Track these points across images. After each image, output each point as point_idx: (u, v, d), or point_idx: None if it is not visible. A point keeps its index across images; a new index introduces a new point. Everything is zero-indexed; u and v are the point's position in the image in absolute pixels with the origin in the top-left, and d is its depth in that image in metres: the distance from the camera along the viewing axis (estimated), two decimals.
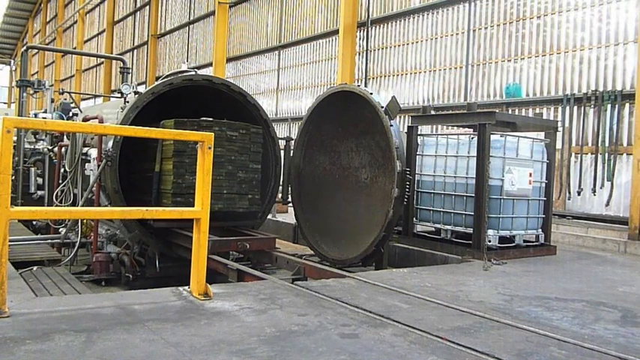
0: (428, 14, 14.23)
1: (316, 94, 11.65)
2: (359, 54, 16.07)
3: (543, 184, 8.05)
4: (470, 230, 7.38)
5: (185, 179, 6.80)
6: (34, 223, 10.00)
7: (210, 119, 6.94)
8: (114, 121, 7.31)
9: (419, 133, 8.29)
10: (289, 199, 8.51)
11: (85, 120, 8.40)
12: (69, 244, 7.99)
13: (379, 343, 3.53)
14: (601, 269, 7.06)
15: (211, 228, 6.80)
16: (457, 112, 10.13)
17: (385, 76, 15.46)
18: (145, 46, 28.90)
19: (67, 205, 8.01)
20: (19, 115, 11.12)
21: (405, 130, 8.44)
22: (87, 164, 7.77)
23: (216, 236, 6.82)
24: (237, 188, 7.20)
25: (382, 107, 6.82)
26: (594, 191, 10.35)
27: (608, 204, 10.14)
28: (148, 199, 7.32)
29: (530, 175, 7.72)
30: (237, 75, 21.83)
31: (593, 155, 10.42)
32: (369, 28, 15.72)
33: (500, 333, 3.90)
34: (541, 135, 8.42)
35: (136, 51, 30.60)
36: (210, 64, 22.11)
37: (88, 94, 29.17)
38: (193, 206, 5.78)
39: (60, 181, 8.61)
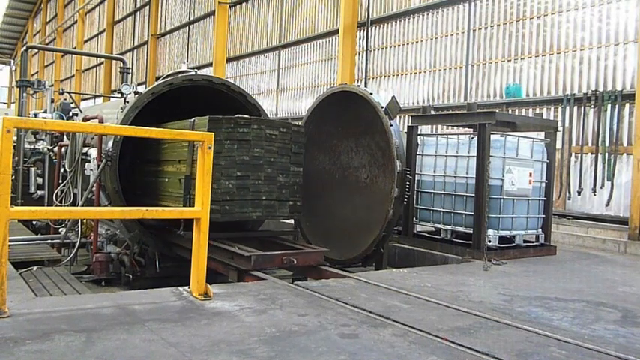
0: (428, 14, 14.22)
1: (316, 94, 11.65)
2: (359, 54, 16.07)
3: (543, 184, 8.05)
4: (470, 230, 7.38)
5: (221, 184, 5.95)
6: (34, 223, 9.99)
7: (248, 117, 6.31)
8: (114, 121, 7.31)
9: (419, 133, 8.29)
10: None
11: (85, 120, 8.40)
12: (69, 244, 7.98)
13: (379, 343, 3.53)
14: (601, 269, 7.06)
15: (246, 239, 6.49)
16: (457, 112, 10.13)
17: (385, 76, 15.45)
18: (145, 46, 28.89)
19: (67, 205, 8.00)
20: (19, 115, 11.12)
21: (405, 130, 8.44)
22: (87, 164, 7.76)
23: (255, 248, 6.10)
24: (277, 194, 6.40)
25: (382, 107, 6.82)
26: (594, 191, 10.35)
27: (608, 204, 10.14)
28: (150, 202, 7.20)
29: (530, 175, 7.73)
30: (237, 75, 21.82)
31: (593, 155, 10.42)
32: (369, 28, 15.72)
33: (500, 333, 3.90)
34: (541, 135, 8.43)
35: (136, 51, 30.59)
36: (210, 64, 22.10)
37: (88, 94, 29.16)
38: (233, 216, 5.57)
39: (60, 181, 8.60)
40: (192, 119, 6.38)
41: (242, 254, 5.68)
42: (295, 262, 5.77)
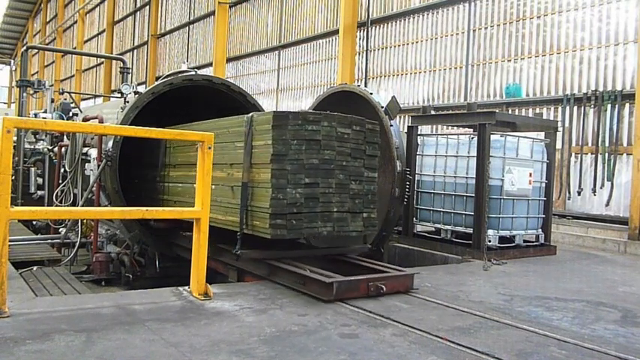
0: (428, 14, 14.23)
1: (316, 94, 11.64)
2: (359, 54, 16.07)
3: (543, 184, 8.05)
4: (470, 230, 7.38)
5: (287, 194, 4.91)
6: (34, 223, 9.99)
7: (319, 112, 5.33)
8: (114, 121, 7.31)
9: (419, 133, 8.29)
10: None
11: (85, 120, 8.40)
12: (69, 244, 7.98)
13: (379, 343, 3.53)
14: (601, 269, 7.06)
15: (314, 258, 5.47)
16: (457, 112, 10.13)
17: (385, 76, 15.46)
18: (145, 46, 28.90)
19: (67, 205, 8.00)
20: (19, 115, 11.12)
21: (405, 130, 8.44)
22: (87, 164, 7.76)
23: (320, 268, 5.11)
24: (349, 205, 5.32)
25: (382, 107, 6.82)
26: (594, 191, 10.35)
27: (608, 204, 10.14)
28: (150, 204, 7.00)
29: (530, 175, 7.73)
30: (237, 75, 21.83)
31: (593, 155, 10.42)
32: (369, 28, 15.72)
33: (500, 333, 3.90)
34: (541, 135, 8.43)
35: (136, 51, 30.59)
36: (210, 64, 22.10)
37: (88, 94, 29.16)
38: (300, 232, 4.89)
39: (60, 181, 8.60)
40: (250, 114, 5.38)
41: (319, 280, 4.65)
42: (384, 289, 4.78)
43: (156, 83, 7.46)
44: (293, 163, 4.96)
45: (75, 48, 36.79)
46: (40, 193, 10.72)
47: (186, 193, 6.42)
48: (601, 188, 10.27)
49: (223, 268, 6.07)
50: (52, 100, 11.15)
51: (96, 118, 7.98)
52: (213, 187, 5.63)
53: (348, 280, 4.73)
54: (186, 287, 4.62)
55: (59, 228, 8.40)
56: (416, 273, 5.28)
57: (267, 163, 4.94)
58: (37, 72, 45.07)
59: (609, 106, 10.21)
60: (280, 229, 4.86)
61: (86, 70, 37.07)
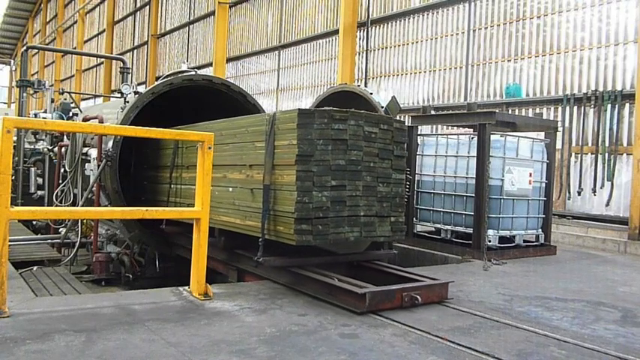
0: (428, 14, 14.23)
1: (316, 94, 11.64)
2: (359, 54, 16.07)
3: (543, 184, 8.05)
4: (470, 230, 7.38)
5: (313, 197, 4.61)
6: (34, 223, 9.99)
7: (345, 110, 4.98)
8: (114, 121, 7.31)
9: (419, 133, 8.29)
10: None
11: (85, 120, 8.39)
12: (69, 244, 7.98)
13: (379, 343, 3.53)
14: (601, 269, 7.06)
15: (336, 265, 5.19)
16: (457, 112, 10.12)
17: (385, 76, 15.46)
18: (145, 46, 28.90)
19: (67, 205, 8.00)
20: (19, 115, 11.12)
21: None
22: (87, 164, 7.76)
23: (344, 275, 4.90)
24: (377, 208, 5.04)
25: (382, 107, 6.82)
26: (594, 191, 10.35)
27: (608, 204, 10.14)
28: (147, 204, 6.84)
29: (530, 175, 7.73)
30: (237, 75, 21.83)
31: (593, 155, 10.42)
32: (369, 28, 15.72)
33: (500, 333, 3.90)
34: (541, 135, 8.43)
35: (136, 51, 30.60)
36: (210, 64, 22.10)
37: (88, 94, 29.18)
38: (326, 238, 4.60)
39: (60, 181, 8.60)
40: (273, 112, 5.07)
41: (349, 290, 4.38)
42: (419, 299, 4.48)
43: (156, 83, 7.46)
44: (319, 165, 4.67)
45: (75, 48, 36.80)
46: (40, 193, 10.72)
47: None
48: (601, 188, 10.27)
49: (223, 268, 6.07)
50: (52, 100, 11.15)
51: (96, 118, 7.98)
52: (230, 189, 5.50)
53: (381, 290, 4.42)
54: (186, 287, 4.62)
55: (59, 228, 8.40)
56: (450, 282, 4.97)
57: (292, 164, 4.63)
58: (37, 72, 45.07)
59: (609, 106, 10.21)
60: (306, 235, 4.57)
61: (86, 70, 37.07)
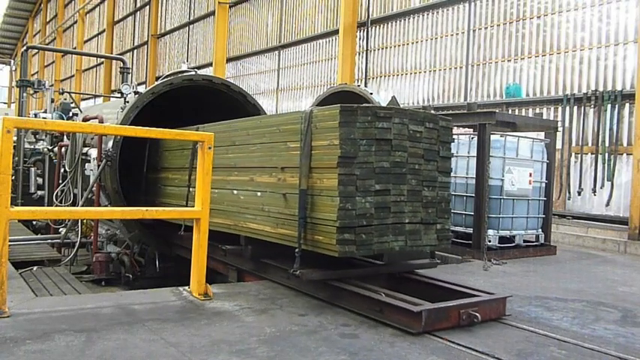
0: (428, 14, 14.23)
1: (316, 94, 11.65)
2: (359, 54, 16.07)
3: (543, 184, 8.06)
4: (470, 230, 7.38)
5: (356, 203, 4.17)
6: (34, 223, 9.99)
7: (389, 107, 4.65)
8: (114, 121, 7.30)
9: None
10: None
11: (85, 120, 8.39)
12: (69, 244, 7.98)
13: (379, 343, 3.53)
14: (601, 269, 7.06)
15: (375, 276, 4.83)
16: (457, 112, 10.12)
17: (385, 76, 15.46)
18: (145, 46, 28.90)
19: (67, 205, 8.00)
20: (19, 115, 11.12)
21: None
22: (87, 164, 7.76)
23: (382, 288, 4.47)
24: (422, 215, 4.61)
25: None
26: (594, 191, 10.35)
27: (608, 204, 10.14)
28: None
29: (530, 175, 7.73)
30: (237, 75, 21.83)
31: (593, 155, 10.42)
32: (369, 28, 15.72)
33: (500, 333, 3.90)
34: (541, 135, 8.43)
35: (136, 51, 30.60)
36: (210, 64, 22.11)
37: (88, 94, 29.17)
38: (370, 248, 4.23)
39: (60, 181, 8.60)
40: (309, 109, 4.58)
41: (401, 307, 3.93)
42: (479, 317, 4.02)
43: (156, 83, 7.45)
44: (362, 167, 4.23)
45: (75, 48, 36.80)
46: (40, 193, 10.71)
47: (224, 199, 5.56)
48: (601, 188, 10.27)
49: (223, 268, 6.07)
50: (52, 100, 11.15)
51: (96, 118, 7.97)
52: (258, 194, 5.05)
53: (438, 307, 3.97)
54: (187, 287, 4.62)
55: (59, 228, 8.40)
56: (508, 297, 4.53)
57: (333, 167, 4.19)
58: (37, 72, 45.07)
59: (609, 106, 10.21)
60: (348, 246, 4.12)
61: (86, 70, 37.08)
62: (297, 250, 4.37)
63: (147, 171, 7.61)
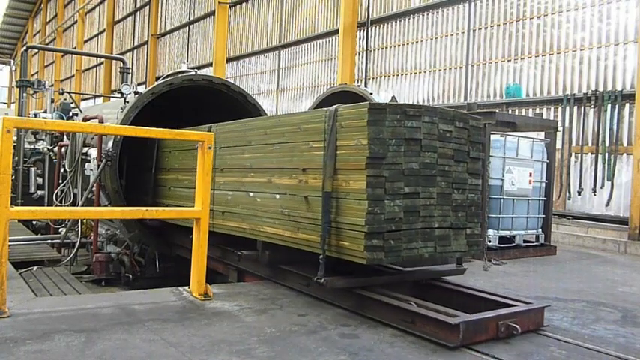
0: (428, 14, 14.23)
1: (316, 94, 11.65)
2: (359, 54, 16.07)
3: (543, 184, 8.06)
4: None
5: (385, 207, 3.95)
6: (34, 223, 9.99)
7: (419, 105, 4.41)
8: (114, 121, 7.30)
9: None
10: None
11: (85, 120, 8.39)
12: (69, 244, 7.98)
13: (379, 343, 3.52)
14: (601, 269, 7.06)
15: (399, 284, 4.58)
16: None
17: (385, 76, 15.46)
18: (145, 46, 28.91)
19: (67, 205, 8.00)
20: (19, 115, 11.12)
21: None
22: (87, 164, 7.76)
23: (407, 295, 4.25)
24: (452, 219, 4.39)
25: None
26: (594, 191, 10.35)
27: (608, 204, 10.15)
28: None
29: (530, 175, 7.73)
30: (237, 75, 21.83)
31: (593, 155, 10.42)
32: (369, 28, 15.72)
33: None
34: (541, 135, 8.43)
35: (136, 51, 30.61)
36: (210, 64, 22.11)
37: (88, 94, 29.17)
38: (399, 255, 4.02)
39: (60, 181, 8.60)
40: (334, 107, 4.35)
41: (436, 318, 3.66)
42: (519, 329, 3.76)
43: (156, 83, 7.45)
44: (391, 169, 4.00)
45: (75, 48, 36.81)
46: (40, 193, 10.71)
47: (239, 202, 5.31)
48: (601, 188, 10.27)
49: (223, 268, 6.06)
50: (52, 100, 11.14)
51: (96, 118, 7.97)
52: (277, 196, 4.81)
53: (476, 319, 3.70)
54: (187, 287, 4.62)
55: (59, 228, 8.40)
56: (546, 306, 4.27)
57: (361, 168, 3.96)
58: (37, 72, 45.08)
59: (609, 106, 10.21)
60: (377, 252, 3.89)
61: (86, 70, 37.08)
62: (321, 256, 4.15)
63: (155, 172, 7.43)
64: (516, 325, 3.77)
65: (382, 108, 4.03)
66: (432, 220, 4.24)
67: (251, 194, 5.16)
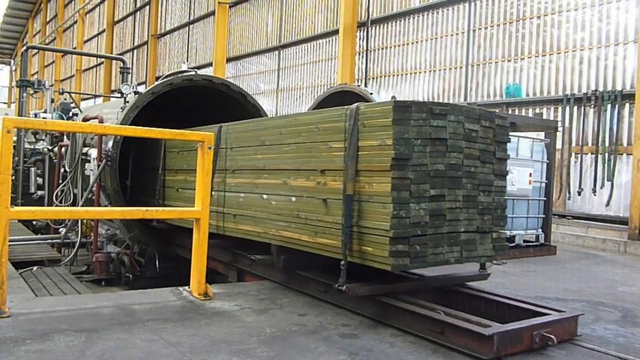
0: (428, 14, 14.23)
1: (316, 95, 11.65)
2: (359, 54, 16.07)
3: (543, 184, 8.06)
4: None
5: (410, 210, 3.74)
6: (34, 223, 9.99)
7: (445, 103, 4.35)
8: (114, 121, 7.30)
9: None
10: None
11: (85, 120, 8.39)
12: (69, 244, 7.98)
13: (379, 343, 3.52)
14: (601, 269, 7.06)
15: (421, 290, 4.39)
16: None
17: (385, 76, 15.46)
18: (145, 46, 28.91)
19: (67, 205, 8.00)
20: (19, 115, 11.12)
21: None
22: (87, 164, 7.76)
23: (429, 302, 4.04)
24: (477, 222, 4.20)
25: None
26: (594, 191, 10.35)
27: (608, 204, 10.15)
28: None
29: (530, 175, 7.73)
30: (237, 75, 21.83)
31: (593, 155, 10.42)
32: (369, 28, 15.72)
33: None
34: (541, 135, 8.43)
35: (136, 51, 30.61)
36: (210, 64, 22.12)
37: (88, 94, 29.16)
38: (425, 261, 3.83)
39: (60, 181, 8.60)
40: (354, 105, 4.12)
41: (468, 329, 3.44)
42: (554, 340, 3.57)
43: (156, 83, 7.45)
44: (416, 170, 3.78)
45: (75, 48, 36.82)
46: (40, 193, 10.71)
47: (252, 204, 5.08)
48: (601, 188, 10.27)
49: (223, 268, 6.06)
50: (52, 100, 11.15)
51: (96, 118, 7.97)
52: (293, 199, 4.59)
53: (509, 329, 3.50)
54: (187, 287, 4.62)
55: (59, 228, 8.40)
56: (580, 314, 4.07)
57: (385, 169, 3.74)
58: (37, 72, 45.09)
59: (609, 106, 10.21)
60: (402, 258, 3.68)
61: (86, 70, 37.09)
62: (342, 262, 3.94)
63: (162, 173, 7.16)
64: (552, 336, 3.58)
65: (408, 106, 3.81)
66: (458, 223, 4.05)
67: (265, 196, 4.95)
